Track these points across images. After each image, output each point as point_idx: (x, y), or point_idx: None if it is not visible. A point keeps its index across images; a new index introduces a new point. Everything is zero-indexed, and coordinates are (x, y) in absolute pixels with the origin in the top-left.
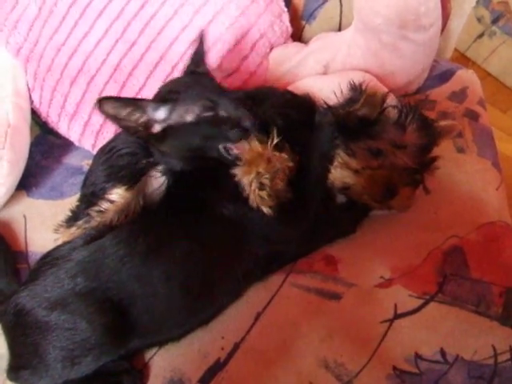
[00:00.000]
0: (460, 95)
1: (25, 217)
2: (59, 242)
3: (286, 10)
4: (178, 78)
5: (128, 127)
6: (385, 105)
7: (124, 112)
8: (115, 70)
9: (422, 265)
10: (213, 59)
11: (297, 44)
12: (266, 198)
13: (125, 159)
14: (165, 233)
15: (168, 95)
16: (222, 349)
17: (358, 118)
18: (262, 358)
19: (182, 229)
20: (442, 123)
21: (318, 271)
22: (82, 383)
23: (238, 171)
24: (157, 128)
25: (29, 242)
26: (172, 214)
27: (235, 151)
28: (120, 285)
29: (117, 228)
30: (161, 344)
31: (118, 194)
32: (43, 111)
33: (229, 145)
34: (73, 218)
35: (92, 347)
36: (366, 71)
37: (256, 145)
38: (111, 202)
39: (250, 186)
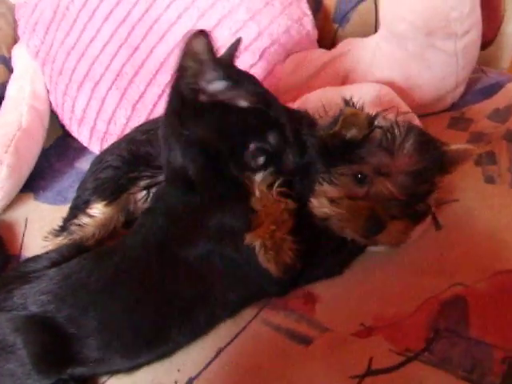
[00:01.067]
0: (504, 113)
1: (26, 220)
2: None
3: (309, 13)
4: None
5: (185, 77)
6: (374, 125)
7: (204, 56)
8: (117, 76)
9: (412, 315)
10: None
11: (317, 51)
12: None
13: (109, 173)
14: (125, 266)
15: (228, 71)
16: (176, 382)
17: (341, 141)
18: None
19: (144, 264)
20: (453, 147)
21: (294, 310)
22: None
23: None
24: (202, 97)
25: (24, 246)
26: (137, 245)
27: (260, 161)
28: (70, 314)
29: (87, 251)
30: (111, 373)
31: (97, 209)
32: (59, 114)
33: (261, 145)
34: (62, 228)
35: (29, 373)
36: (390, 83)
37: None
38: (91, 216)
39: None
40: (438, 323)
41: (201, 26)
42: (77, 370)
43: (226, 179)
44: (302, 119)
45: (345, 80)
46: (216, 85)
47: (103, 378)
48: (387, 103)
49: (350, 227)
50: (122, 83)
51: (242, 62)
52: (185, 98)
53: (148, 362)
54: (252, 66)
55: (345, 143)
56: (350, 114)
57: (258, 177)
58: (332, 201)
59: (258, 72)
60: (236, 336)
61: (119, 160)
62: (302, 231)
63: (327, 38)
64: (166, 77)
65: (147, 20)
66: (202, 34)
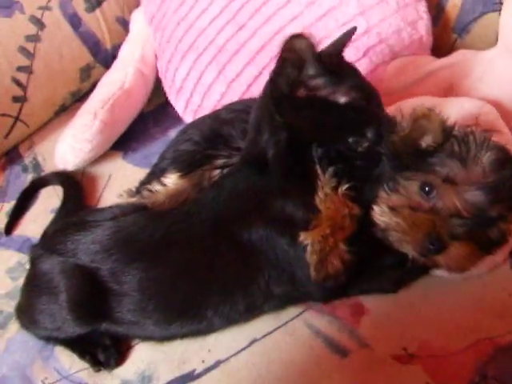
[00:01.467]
0: None
1: (110, 176)
2: None
3: (425, 17)
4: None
5: (285, 71)
6: (449, 133)
7: (306, 53)
8: (219, 51)
9: (461, 352)
10: None
11: (427, 57)
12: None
13: (188, 146)
14: (175, 231)
15: (330, 67)
16: (203, 361)
17: (413, 147)
18: None
19: (194, 234)
20: None
21: (339, 317)
22: (68, 343)
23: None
24: (301, 92)
25: (101, 200)
26: (193, 213)
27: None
28: (113, 268)
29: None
30: (144, 338)
31: (171, 179)
32: (163, 81)
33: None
34: (136, 190)
35: (66, 317)
36: (497, 104)
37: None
38: (163, 185)
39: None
40: (486, 368)
41: (308, 13)
42: (111, 327)
43: (300, 170)
44: (383, 122)
45: (448, 92)
46: (316, 81)
47: (135, 341)
48: (485, 123)
49: (408, 241)
50: (222, 59)
51: (345, 57)
52: (282, 91)
53: (180, 336)
54: (354, 62)
55: (417, 150)
56: (421, 114)
57: (327, 177)
58: (392, 209)
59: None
60: (274, 330)
61: (200, 135)
62: (361, 240)
63: (444, 47)
64: (265, 59)
65: (257, 0)
66: (303, 36)
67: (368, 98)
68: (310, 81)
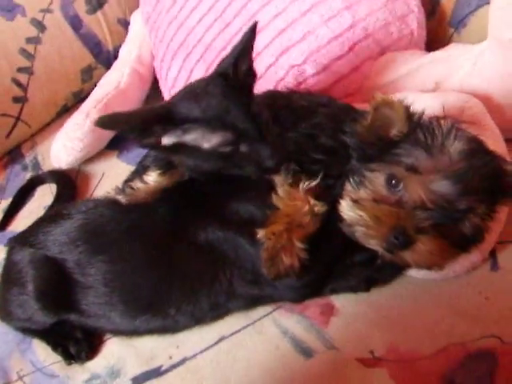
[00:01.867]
0: None
1: (103, 175)
2: None
3: (416, 10)
4: (207, 85)
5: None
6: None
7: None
8: (207, 49)
9: (430, 357)
10: (300, 55)
11: (416, 52)
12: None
13: None
14: (134, 230)
15: (187, 109)
16: (170, 358)
17: (377, 138)
18: None
19: (155, 232)
20: None
21: (308, 317)
22: (43, 335)
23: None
24: (166, 141)
25: (92, 197)
26: (155, 211)
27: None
28: (78, 259)
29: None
30: (112, 332)
31: (151, 177)
32: (159, 80)
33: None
34: (122, 188)
35: (33, 307)
36: (487, 98)
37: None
38: (144, 182)
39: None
40: (455, 375)
41: (292, 8)
42: (81, 320)
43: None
44: (347, 114)
45: (437, 87)
46: (167, 138)
47: (107, 336)
48: (470, 117)
49: (373, 236)
50: (209, 56)
51: (329, 53)
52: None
53: (147, 332)
54: (339, 57)
55: (382, 141)
56: (381, 102)
57: (283, 175)
58: (355, 202)
59: (344, 65)
60: (242, 329)
61: None
62: (331, 238)
63: (440, 42)
64: None
65: None
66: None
67: (234, 140)
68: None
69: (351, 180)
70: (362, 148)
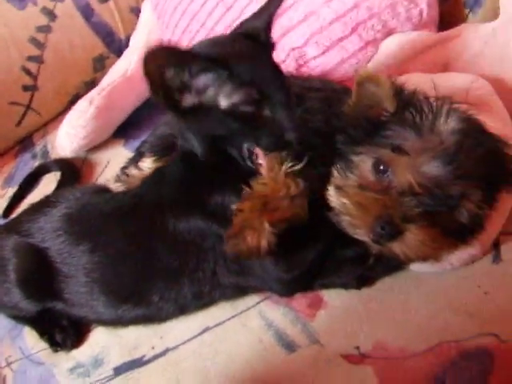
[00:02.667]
0: None
1: (108, 163)
2: None
3: None
4: (234, 42)
5: (165, 86)
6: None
7: (174, 63)
8: (208, 34)
9: (419, 356)
10: (301, 36)
11: (424, 33)
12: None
13: (163, 130)
14: (115, 218)
15: (216, 60)
16: (153, 348)
17: (365, 118)
18: (177, 378)
19: (134, 220)
20: None
21: (295, 309)
22: (32, 322)
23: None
24: (187, 100)
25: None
26: (133, 200)
27: (259, 160)
28: (60, 249)
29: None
30: (96, 322)
31: (146, 163)
32: None
33: (256, 149)
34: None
35: (16, 295)
36: (498, 80)
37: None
38: (139, 169)
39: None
40: (445, 375)
41: None
42: (65, 308)
43: (231, 161)
44: (342, 97)
45: (445, 69)
46: (199, 79)
47: (94, 324)
48: (475, 98)
49: (358, 225)
50: None
51: (331, 34)
52: (168, 104)
53: (131, 321)
54: (341, 39)
55: (369, 121)
56: (365, 76)
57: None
58: (339, 188)
59: (347, 47)
60: (227, 320)
61: None
62: (320, 229)
63: (456, 24)
64: None
65: None
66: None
67: (258, 100)
68: (192, 81)
69: (338, 165)
70: (348, 130)
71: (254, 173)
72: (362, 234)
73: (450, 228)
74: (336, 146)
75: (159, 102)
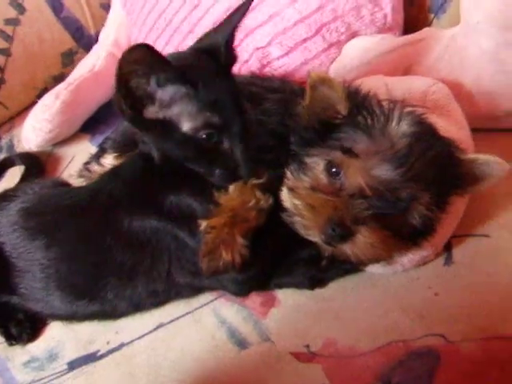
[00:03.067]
0: None
1: (73, 158)
2: None
3: None
4: (198, 59)
5: (129, 93)
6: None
7: (145, 67)
8: (175, 31)
9: (368, 354)
10: (265, 37)
11: (387, 36)
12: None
13: (126, 126)
14: (70, 214)
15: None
16: (108, 343)
17: (318, 121)
18: (130, 372)
19: (88, 216)
20: (475, 157)
21: (248, 307)
22: None
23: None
24: (150, 112)
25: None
26: (88, 196)
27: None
28: (16, 243)
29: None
30: (52, 317)
31: (107, 159)
32: None
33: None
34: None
35: None
36: (457, 85)
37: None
38: (100, 165)
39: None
40: (392, 373)
41: None
42: (20, 303)
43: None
44: (293, 95)
45: (407, 72)
46: (165, 91)
47: (48, 320)
48: (433, 102)
49: (309, 227)
50: (176, 39)
51: (295, 35)
52: (129, 115)
53: (88, 316)
54: (305, 40)
55: (322, 124)
56: (318, 79)
57: None
58: (291, 190)
59: (310, 48)
60: (181, 316)
61: None
62: (274, 230)
63: (421, 28)
64: None
65: None
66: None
67: (219, 130)
68: (159, 92)
69: (291, 167)
70: (301, 132)
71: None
72: (313, 235)
73: (402, 230)
74: (290, 148)
75: (120, 108)
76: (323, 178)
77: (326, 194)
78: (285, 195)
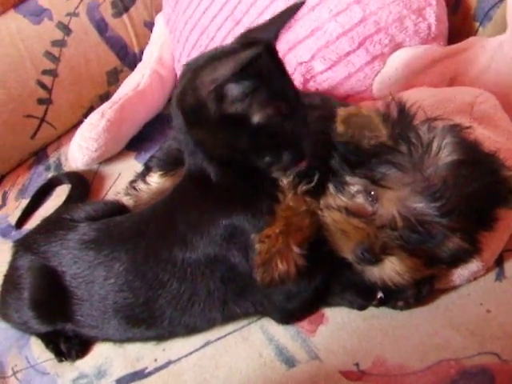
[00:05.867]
0: None
1: (119, 175)
2: None
3: (434, 3)
4: (256, 56)
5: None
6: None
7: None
8: None
9: (418, 373)
10: (307, 51)
11: (433, 46)
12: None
13: (172, 144)
14: (126, 245)
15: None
16: (155, 360)
17: (356, 147)
18: None
19: (143, 252)
20: None
21: (296, 324)
22: (41, 336)
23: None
24: (220, 110)
25: (105, 198)
26: (144, 223)
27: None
28: (76, 273)
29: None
30: (106, 340)
31: (153, 178)
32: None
33: (274, 161)
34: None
35: (27, 315)
36: (505, 95)
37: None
38: (147, 183)
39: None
40: None
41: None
42: (75, 330)
43: (247, 182)
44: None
45: (452, 83)
46: (235, 88)
47: None
48: (479, 112)
49: (341, 247)
50: None
51: (338, 48)
52: (194, 111)
53: (141, 340)
54: (348, 53)
55: (363, 151)
56: (347, 115)
57: (285, 181)
58: (327, 208)
59: (354, 61)
60: (228, 334)
61: None
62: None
63: (466, 37)
64: None
65: None
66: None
67: (289, 113)
68: (226, 87)
69: (332, 184)
70: (346, 153)
71: (265, 191)
72: (346, 253)
73: (431, 258)
74: (331, 163)
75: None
76: (360, 201)
77: (359, 217)
78: (324, 210)
